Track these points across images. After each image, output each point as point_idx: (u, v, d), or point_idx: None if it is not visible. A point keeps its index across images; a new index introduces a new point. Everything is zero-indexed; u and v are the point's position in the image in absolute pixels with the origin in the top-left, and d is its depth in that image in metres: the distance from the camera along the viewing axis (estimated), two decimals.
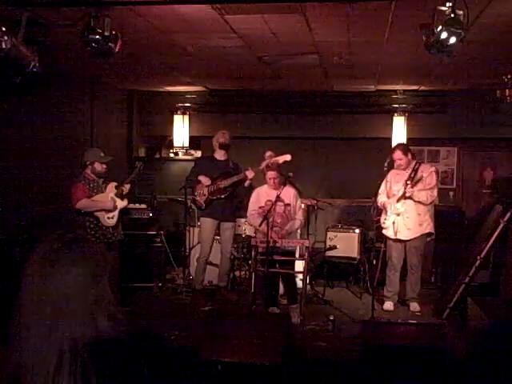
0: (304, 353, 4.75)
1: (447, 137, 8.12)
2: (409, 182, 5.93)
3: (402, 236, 6.00)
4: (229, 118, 8.37)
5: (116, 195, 5.63)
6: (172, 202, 7.61)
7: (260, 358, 3.75)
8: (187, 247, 6.98)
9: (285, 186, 5.61)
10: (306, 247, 5.75)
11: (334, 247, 6.83)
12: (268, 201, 5.69)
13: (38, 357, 1.27)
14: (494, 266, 6.14)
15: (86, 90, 7.32)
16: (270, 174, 5.68)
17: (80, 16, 3.81)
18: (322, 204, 7.35)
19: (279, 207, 5.69)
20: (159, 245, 6.93)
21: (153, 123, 8.83)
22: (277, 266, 5.70)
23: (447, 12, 3.41)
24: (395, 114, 7.99)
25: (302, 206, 6.13)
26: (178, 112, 8.48)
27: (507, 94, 5.68)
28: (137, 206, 7.03)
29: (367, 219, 6.75)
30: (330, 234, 7.17)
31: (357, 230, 7.13)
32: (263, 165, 5.88)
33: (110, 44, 3.89)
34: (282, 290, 6.10)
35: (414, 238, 6.00)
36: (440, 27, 3.45)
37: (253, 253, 5.66)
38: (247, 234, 6.93)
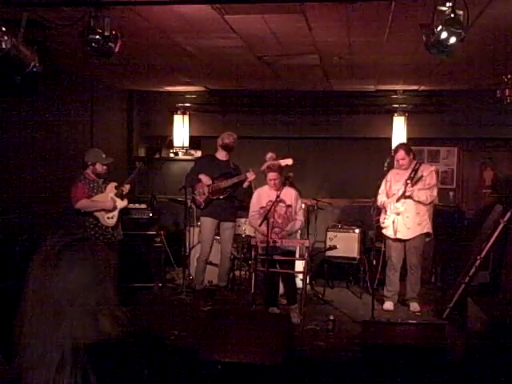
0: (304, 353, 4.75)
1: (447, 137, 8.13)
2: (409, 182, 5.93)
3: (402, 235, 6.00)
4: (229, 118, 8.37)
5: (116, 195, 5.64)
6: (172, 202, 7.61)
7: (260, 358, 3.76)
8: (187, 247, 6.97)
9: (285, 186, 5.61)
10: (306, 247, 5.75)
11: (334, 247, 6.83)
12: (269, 201, 5.68)
13: (39, 357, 1.27)
14: (494, 266, 6.15)
15: (86, 90, 7.31)
16: (271, 176, 5.67)
17: (80, 16, 3.81)
18: (321, 204, 7.35)
19: (280, 208, 5.69)
20: (159, 245, 6.92)
21: (153, 123, 8.83)
22: (277, 266, 5.70)
23: (447, 12, 3.41)
24: (395, 114, 7.99)
25: (303, 206, 6.13)
26: (178, 112, 8.48)
27: (507, 93, 5.68)
28: (137, 205, 7.03)
29: (367, 219, 6.76)
30: (330, 234, 7.17)
31: (357, 230, 7.13)
32: (264, 166, 5.87)
33: (109, 44, 3.89)
34: (281, 289, 6.10)
35: (413, 238, 6.00)
36: (440, 27, 3.45)
37: (253, 253, 5.65)
38: (247, 233, 6.93)
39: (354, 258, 7.04)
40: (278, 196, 5.56)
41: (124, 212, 5.98)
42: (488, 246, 5.65)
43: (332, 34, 4.87)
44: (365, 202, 7.24)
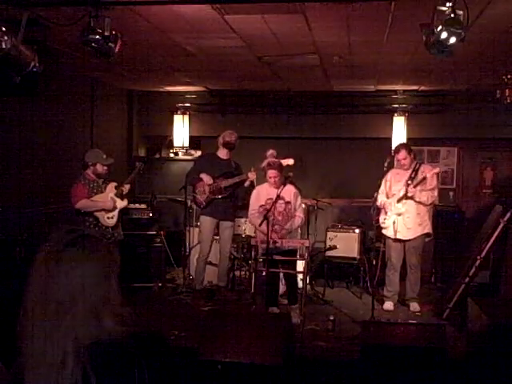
0: (304, 353, 4.75)
1: (447, 137, 8.12)
2: (410, 182, 5.93)
3: (402, 236, 6.00)
4: (229, 118, 8.37)
5: (116, 195, 5.64)
6: (172, 202, 7.61)
7: (260, 358, 3.75)
8: (187, 247, 6.98)
9: (285, 185, 5.60)
10: (306, 247, 5.74)
11: (334, 247, 6.83)
12: (269, 199, 5.68)
13: (40, 356, 1.26)
14: (494, 266, 6.14)
15: (86, 90, 7.31)
16: (271, 173, 5.67)
17: (80, 16, 3.80)
18: (321, 204, 7.35)
19: (280, 205, 5.68)
20: (159, 245, 6.92)
21: (153, 123, 8.83)
22: (279, 266, 5.70)
23: (447, 12, 3.40)
24: (395, 114, 7.99)
25: (303, 206, 6.13)
26: (178, 112, 8.48)
27: (507, 93, 5.68)
28: (137, 205, 7.03)
29: (367, 219, 6.75)
30: (330, 234, 7.17)
31: (357, 230, 7.13)
32: (265, 163, 5.88)
33: (110, 44, 3.89)
34: (282, 289, 6.10)
35: (414, 238, 6.00)
36: (440, 27, 3.45)
37: (253, 253, 5.65)
38: (247, 233, 6.93)
39: (354, 258, 7.04)
40: (278, 194, 5.56)
41: (124, 212, 5.98)
42: (488, 246, 5.65)
43: (332, 34, 4.87)
44: (365, 201, 7.24)
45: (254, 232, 6.13)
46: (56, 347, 1.26)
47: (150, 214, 7.00)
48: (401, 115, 7.96)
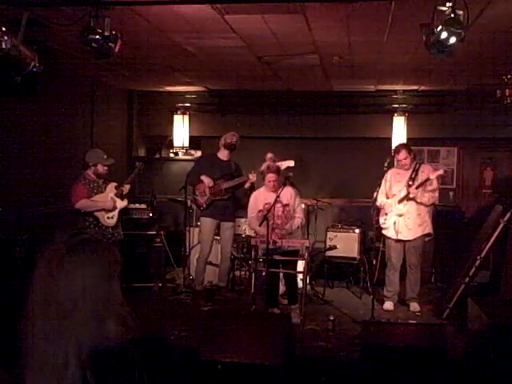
0: (304, 353, 4.75)
1: (447, 137, 8.12)
2: (411, 183, 5.93)
3: (403, 236, 6.00)
4: (229, 118, 8.37)
5: (116, 195, 5.64)
6: (172, 202, 7.61)
7: (260, 358, 3.75)
8: (187, 247, 6.98)
9: (285, 186, 5.60)
10: (306, 247, 5.74)
11: (334, 247, 6.83)
12: (266, 204, 5.67)
13: (42, 359, 1.26)
14: (494, 266, 6.15)
15: (86, 90, 7.32)
16: (270, 177, 5.67)
17: (80, 16, 3.80)
18: (321, 204, 7.35)
19: (278, 209, 5.68)
20: (159, 245, 6.92)
21: (153, 123, 8.83)
22: (280, 266, 5.70)
23: (447, 12, 3.40)
24: (395, 114, 7.99)
25: (302, 205, 6.12)
26: (178, 112, 8.48)
27: (507, 93, 5.68)
28: (137, 205, 7.03)
29: (367, 219, 6.75)
30: (330, 234, 7.17)
31: (357, 230, 7.13)
32: (263, 166, 5.87)
33: (110, 44, 3.89)
34: (282, 289, 6.10)
35: (414, 239, 6.00)
36: (440, 27, 3.45)
37: (253, 253, 5.65)
38: (247, 233, 6.93)
39: (354, 258, 7.04)
40: (277, 197, 5.55)
41: (124, 212, 5.98)
42: (488, 246, 5.65)
43: (332, 34, 4.87)
44: (365, 201, 7.23)
45: (254, 232, 6.13)
46: (58, 350, 1.25)
47: (150, 214, 7.00)
48: (401, 115, 7.96)
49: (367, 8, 4.04)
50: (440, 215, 7.24)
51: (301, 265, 6.02)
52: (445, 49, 3.62)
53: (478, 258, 5.64)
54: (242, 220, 6.95)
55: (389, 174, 6.10)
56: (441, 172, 5.98)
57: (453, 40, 3.48)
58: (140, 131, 8.92)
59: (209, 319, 4.37)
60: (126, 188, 5.77)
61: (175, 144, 8.50)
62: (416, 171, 6.01)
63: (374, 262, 6.00)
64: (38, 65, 4.02)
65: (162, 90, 8.37)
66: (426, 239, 6.21)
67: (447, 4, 3.39)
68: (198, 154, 8.66)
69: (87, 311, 1.29)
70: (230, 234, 6.47)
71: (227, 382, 3.76)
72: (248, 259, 6.66)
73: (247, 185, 6.32)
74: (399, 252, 6.11)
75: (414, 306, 6.11)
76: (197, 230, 6.94)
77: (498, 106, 6.47)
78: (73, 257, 1.31)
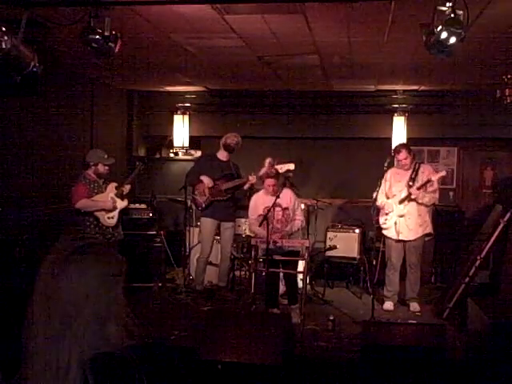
0: (304, 353, 4.75)
1: (447, 137, 8.12)
2: (411, 183, 5.93)
3: (404, 237, 6.00)
4: (229, 118, 8.37)
5: (116, 195, 5.65)
6: (172, 202, 7.61)
7: (260, 358, 3.75)
8: (187, 247, 6.98)
9: (284, 187, 5.59)
10: (306, 247, 5.74)
11: (334, 247, 6.83)
12: (265, 208, 5.67)
13: (44, 364, 1.25)
14: (494, 266, 6.14)
15: (86, 89, 7.31)
16: (269, 182, 5.67)
17: (80, 16, 3.80)
18: (321, 204, 7.35)
19: (277, 213, 5.69)
20: (159, 245, 6.92)
21: (153, 123, 8.83)
22: (280, 266, 5.70)
23: (447, 12, 3.40)
24: (395, 114, 7.99)
25: (302, 206, 6.12)
26: (178, 112, 8.48)
27: (507, 93, 5.68)
28: (137, 205, 7.03)
29: (367, 219, 6.75)
30: (330, 234, 7.17)
31: (357, 230, 7.13)
32: (262, 171, 5.87)
33: (110, 44, 3.89)
34: (282, 289, 6.10)
35: (414, 239, 6.00)
36: (440, 27, 3.45)
37: (253, 253, 5.65)
38: (247, 233, 6.93)
39: (354, 258, 7.04)
40: (276, 199, 5.55)
41: (124, 212, 5.98)
42: (488, 246, 5.65)
43: (332, 34, 4.87)
44: (365, 201, 7.23)
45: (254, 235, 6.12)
46: (60, 353, 1.25)
47: (150, 214, 7.00)
48: (401, 115, 7.96)
49: (367, 8, 4.04)
50: (440, 215, 7.24)
51: (301, 265, 6.02)
52: (445, 49, 3.62)
53: (478, 257, 5.64)
54: (242, 220, 6.95)
55: (388, 174, 6.09)
56: (443, 174, 5.97)
57: (453, 40, 3.48)
58: (140, 131, 8.92)
59: (209, 319, 4.38)
60: (127, 188, 5.77)
61: (175, 144, 8.50)
62: (416, 171, 6.00)
63: (374, 262, 5.99)
64: (37, 65, 4.02)
65: (162, 89, 8.37)
66: (426, 239, 6.21)
67: (447, 4, 3.39)
68: (198, 154, 8.66)
69: (90, 315, 1.28)
70: (230, 233, 6.47)
71: (227, 382, 3.76)
72: (248, 259, 6.66)
73: (247, 186, 6.32)
74: (399, 252, 6.11)
75: (414, 306, 6.11)
76: (197, 230, 6.94)
77: (498, 105, 6.46)
78: (76, 260, 1.31)
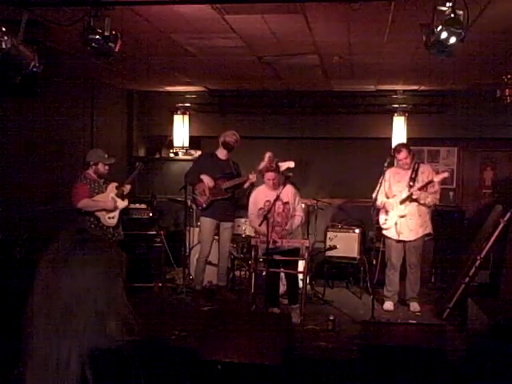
0: (304, 353, 4.75)
1: (447, 137, 8.12)
2: (411, 184, 5.93)
3: (404, 237, 6.00)
4: (229, 118, 8.37)
5: (117, 195, 5.65)
6: (172, 202, 7.61)
7: (260, 358, 3.75)
8: (187, 247, 6.98)
9: (284, 186, 5.60)
10: (306, 247, 5.74)
11: (334, 247, 6.82)
12: (267, 201, 5.68)
13: (44, 359, 1.25)
14: (494, 266, 6.14)
15: (86, 90, 7.32)
16: (269, 176, 5.67)
17: (80, 16, 3.81)
18: (321, 204, 7.35)
19: (278, 207, 5.68)
20: (159, 245, 6.92)
21: (153, 123, 8.83)
22: (280, 266, 5.70)
23: (447, 12, 3.40)
24: (395, 114, 7.99)
25: (302, 205, 6.12)
26: (178, 112, 8.48)
27: (507, 93, 5.68)
28: (137, 205, 7.03)
29: (367, 219, 6.75)
30: (330, 234, 7.17)
31: (357, 230, 7.13)
32: (262, 165, 5.87)
33: (110, 44, 3.89)
34: (282, 290, 6.10)
35: (414, 239, 6.00)
36: (440, 27, 3.45)
37: (253, 253, 5.65)
38: (247, 233, 6.93)
39: (354, 258, 7.04)
40: (277, 196, 5.56)
41: (124, 212, 5.98)
42: (488, 246, 5.65)
43: (332, 34, 4.87)
44: (365, 201, 7.22)
45: (255, 232, 6.13)
46: (60, 348, 1.25)
47: (150, 214, 7.00)
48: (401, 115, 7.96)
49: (367, 8, 4.04)
50: (440, 215, 7.24)
51: (301, 265, 6.02)
52: (445, 49, 3.63)
53: (478, 258, 5.64)
54: (242, 220, 6.95)
55: (388, 174, 6.06)
56: (445, 175, 5.96)
57: (453, 40, 3.49)
58: (140, 131, 8.93)
59: (209, 319, 4.38)
60: (127, 188, 5.77)
61: (175, 144, 8.50)
62: (416, 171, 6.00)
63: (374, 262, 5.99)
64: (38, 65, 4.02)
65: (161, 90, 8.37)
66: (426, 239, 6.21)
67: (447, 4, 3.39)
68: (198, 154, 8.65)
69: (90, 309, 1.28)
70: (229, 234, 6.47)
71: (227, 382, 3.76)
72: (248, 259, 6.66)
73: (247, 185, 6.31)
74: (399, 252, 6.11)
75: (414, 306, 6.11)
76: (197, 230, 6.93)
77: (498, 105, 6.47)
78: (77, 255, 1.30)
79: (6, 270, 4.81)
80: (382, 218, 6.09)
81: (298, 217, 5.78)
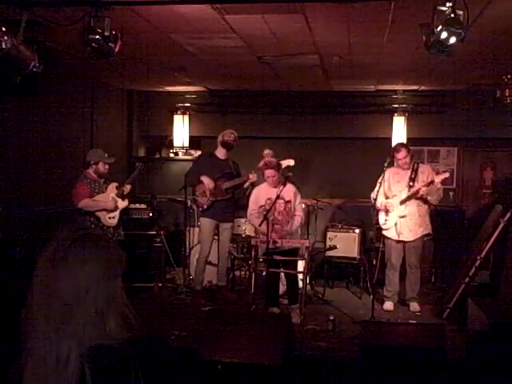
0: (304, 353, 4.75)
1: (447, 137, 8.12)
2: (411, 184, 5.93)
3: (404, 237, 6.00)
4: (229, 118, 8.37)
5: (117, 195, 5.66)
6: (172, 202, 7.60)
7: (260, 358, 3.75)
8: (187, 247, 6.97)
9: (285, 185, 5.60)
10: (306, 247, 5.74)
11: (334, 247, 6.82)
12: (268, 199, 5.68)
13: (43, 357, 1.25)
14: (494, 266, 6.14)
15: (86, 90, 7.32)
16: (269, 173, 5.66)
17: (80, 16, 3.81)
18: (321, 204, 7.35)
19: (279, 205, 5.68)
20: (159, 245, 6.92)
21: (153, 123, 8.83)
22: (280, 266, 5.70)
23: (447, 12, 3.41)
24: (395, 114, 7.99)
25: (303, 205, 6.12)
26: (178, 112, 8.48)
27: (507, 93, 5.68)
28: (137, 205, 7.03)
29: (367, 219, 6.75)
30: (330, 234, 7.17)
31: (357, 230, 7.13)
32: (261, 163, 5.87)
33: (110, 44, 3.89)
34: (282, 290, 6.10)
35: (414, 240, 6.00)
36: (440, 27, 3.45)
37: (253, 253, 5.65)
38: (247, 233, 6.93)
39: (354, 258, 7.04)
40: (279, 194, 5.55)
41: (124, 212, 5.98)
42: (488, 246, 5.65)
43: (332, 34, 4.87)
44: (365, 201, 7.21)
45: (254, 232, 6.13)
46: (60, 346, 1.24)
47: (150, 214, 7.00)
48: (401, 115, 7.96)
49: (367, 8, 4.04)
50: (440, 215, 7.23)
51: (301, 265, 6.02)
52: (445, 49, 3.63)
53: (478, 258, 5.64)
54: (242, 220, 6.95)
55: (387, 174, 6.04)
56: (446, 175, 5.95)
57: (453, 40, 3.49)
58: (140, 131, 8.93)
59: (209, 319, 4.38)
60: (127, 188, 5.78)
61: (175, 144, 8.50)
62: (415, 171, 6.00)
63: (374, 262, 5.99)
64: (38, 65, 4.02)
65: (161, 90, 8.37)
66: (425, 239, 6.21)
67: (447, 4, 3.39)
68: (198, 154, 8.65)
69: (90, 309, 1.28)
70: (229, 234, 6.47)
71: (227, 382, 3.76)
72: (248, 259, 6.66)
73: (247, 184, 6.31)
74: (399, 252, 6.10)
75: (414, 306, 6.10)
76: (197, 230, 6.93)
77: (498, 106, 6.46)
78: (77, 253, 1.30)
79: (5, 270, 4.81)
80: (381, 218, 6.09)
81: (298, 217, 5.78)
